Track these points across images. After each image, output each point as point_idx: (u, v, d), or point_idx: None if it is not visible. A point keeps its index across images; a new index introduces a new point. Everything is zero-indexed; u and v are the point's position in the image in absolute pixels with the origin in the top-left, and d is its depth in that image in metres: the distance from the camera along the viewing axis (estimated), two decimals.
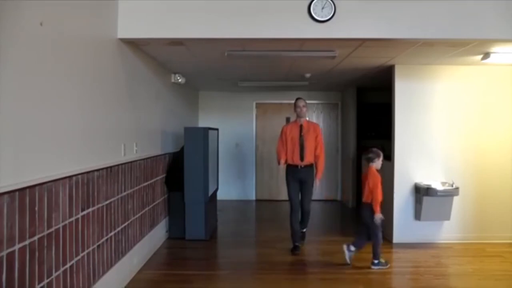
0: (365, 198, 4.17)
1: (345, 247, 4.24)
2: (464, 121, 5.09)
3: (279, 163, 4.83)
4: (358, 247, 4.26)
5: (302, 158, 4.63)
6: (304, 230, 4.96)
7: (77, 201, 2.74)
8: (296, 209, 4.71)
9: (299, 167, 4.65)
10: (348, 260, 4.21)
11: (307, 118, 4.95)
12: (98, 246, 3.11)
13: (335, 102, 8.31)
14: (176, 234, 5.19)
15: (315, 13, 3.43)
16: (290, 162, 4.71)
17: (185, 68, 5.33)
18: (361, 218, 4.32)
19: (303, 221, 4.86)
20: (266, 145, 8.30)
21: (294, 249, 4.68)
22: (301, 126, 4.73)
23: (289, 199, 4.76)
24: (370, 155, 4.24)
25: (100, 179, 3.12)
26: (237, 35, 3.51)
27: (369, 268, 4.15)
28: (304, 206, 4.73)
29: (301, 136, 4.67)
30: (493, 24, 3.49)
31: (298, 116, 4.76)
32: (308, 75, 5.93)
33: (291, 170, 4.72)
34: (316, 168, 4.72)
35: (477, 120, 5.09)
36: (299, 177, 4.67)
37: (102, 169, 3.15)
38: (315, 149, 4.70)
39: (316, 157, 4.71)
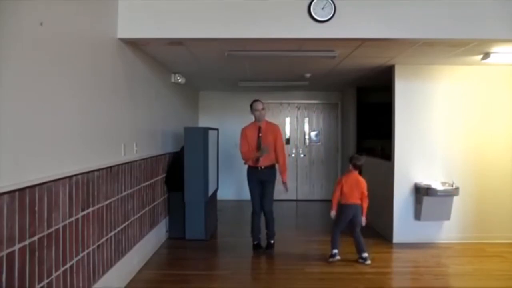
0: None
1: None
2: (464, 121, 5.09)
3: (245, 161, 4.76)
4: None
5: (258, 160, 4.60)
6: (272, 241, 4.77)
7: (77, 201, 2.74)
8: (258, 211, 4.71)
9: (259, 168, 4.63)
10: None
11: (267, 119, 4.87)
12: (98, 246, 3.11)
13: (335, 102, 8.30)
14: (176, 234, 5.19)
15: (315, 13, 3.43)
16: (250, 163, 4.70)
17: (185, 68, 5.33)
18: None
19: (268, 226, 4.75)
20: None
21: (257, 247, 4.73)
22: (259, 128, 4.68)
23: (251, 201, 4.73)
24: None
25: (100, 179, 3.12)
26: (237, 35, 3.51)
27: (369, 268, 4.16)
28: (265, 207, 4.68)
29: (259, 138, 4.63)
30: (493, 24, 3.49)
31: (257, 119, 4.70)
32: (308, 75, 5.93)
33: (252, 171, 4.71)
34: (280, 170, 4.66)
35: (477, 120, 5.09)
36: (259, 178, 4.64)
37: (102, 169, 3.15)
38: (274, 150, 4.64)
39: (276, 158, 4.66)
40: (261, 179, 4.64)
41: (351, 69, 5.32)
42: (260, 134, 4.63)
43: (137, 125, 4.10)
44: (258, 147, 4.61)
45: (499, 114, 5.08)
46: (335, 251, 4.32)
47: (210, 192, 5.37)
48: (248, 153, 4.66)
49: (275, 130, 4.75)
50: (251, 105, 4.68)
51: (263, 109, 4.66)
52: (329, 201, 8.25)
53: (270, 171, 4.67)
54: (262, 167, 4.61)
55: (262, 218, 4.79)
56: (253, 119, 4.81)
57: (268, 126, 4.75)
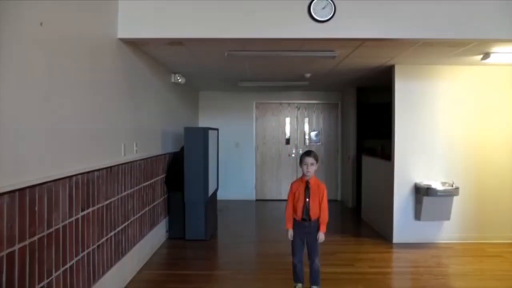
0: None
1: None
2: (464, 121, 5.09)
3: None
4: None
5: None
6: None
7: (77, 201, 2.74)
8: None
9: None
10: None
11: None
12: (98, 246, 3.11)
13: (335, 102, 8.31)
14: (176, 234, 5.19)
15: (315, 13, 3.43)
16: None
17: (185, 68, 5.33)
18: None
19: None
20: (266, 145, 8.30)
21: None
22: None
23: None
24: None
25: (100, 179, 3.12)
26: (237, 35, 3.51)
27: (369, 268, 4.15)
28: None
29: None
30: (493, 24, 3.49)
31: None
32: (308, 75, 5.93)
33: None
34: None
35: (477, 120, 5.09)
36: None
37: (102, 169, 3.15)
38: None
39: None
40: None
41: (351, 69, 5.32)
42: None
43: (137, 125, 4.10)
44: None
45: (499, 114, 5.08)
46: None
47: (210, 192, 5.37)
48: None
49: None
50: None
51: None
52: (329, 201, 8.27)
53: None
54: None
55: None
56: None
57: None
